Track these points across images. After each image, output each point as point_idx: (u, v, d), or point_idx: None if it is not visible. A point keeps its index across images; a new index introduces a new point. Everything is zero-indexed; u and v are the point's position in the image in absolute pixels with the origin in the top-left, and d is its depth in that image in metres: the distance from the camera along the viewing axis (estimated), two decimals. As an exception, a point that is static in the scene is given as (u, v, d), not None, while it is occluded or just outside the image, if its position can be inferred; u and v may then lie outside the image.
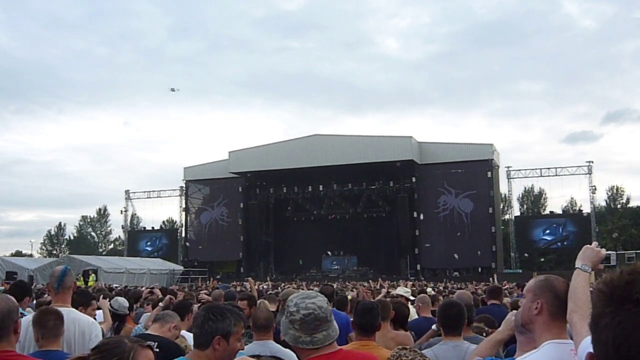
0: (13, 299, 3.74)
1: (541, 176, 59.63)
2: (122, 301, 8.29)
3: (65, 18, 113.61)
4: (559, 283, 3.13)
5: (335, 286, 20.61)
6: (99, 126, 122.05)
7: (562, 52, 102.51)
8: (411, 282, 26.79)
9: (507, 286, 22.57)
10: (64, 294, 4.95)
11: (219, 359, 3.35)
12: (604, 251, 3.21)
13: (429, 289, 16.11)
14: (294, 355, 5.27)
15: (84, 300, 6.48)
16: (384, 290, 12.78)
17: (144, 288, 19.79)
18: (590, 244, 3.28)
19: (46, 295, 11.05)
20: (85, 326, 4.85)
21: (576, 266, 3.15)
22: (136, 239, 70.42)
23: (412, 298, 8.90)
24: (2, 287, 21.76)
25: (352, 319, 5.02)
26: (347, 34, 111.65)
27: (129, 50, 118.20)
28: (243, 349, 3.57)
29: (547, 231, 57.92)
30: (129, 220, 72.25)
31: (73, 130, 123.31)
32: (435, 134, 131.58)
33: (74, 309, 5.08)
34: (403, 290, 10.02)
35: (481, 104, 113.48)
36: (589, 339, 2.76)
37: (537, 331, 3.10)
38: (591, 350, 2.70)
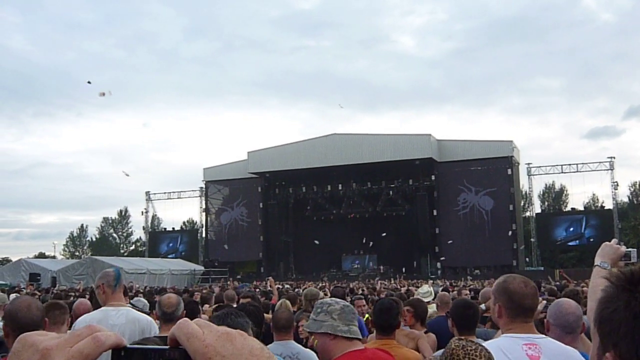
0: (38, 302, 3.89)
1: (562, 172, 59.29)
2: (144, 300, 8.39)
3: (81, 21, 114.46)
4: (515, 284, 3.16)
5: (353, 285, 20.65)
6: (116, 128, 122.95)
7: (579, 46, 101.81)
8: (431, 281, 26.74)
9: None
10: (120, 293, 5.14)
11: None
12: (623, 248, 3.21)
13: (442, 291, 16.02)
14: (315, 355, 5.30)
15: None
16: (403, 289, 12.78)
17: (169, 288, 19.95)
18: (610, 241, 3.29)
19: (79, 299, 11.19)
20: (145, 324, 5.02)
21: (595, 264, 3.16)
22: (157, 239, 70.86)
23: (426, 300, 8.78)
24: (28, 289, 22.05)
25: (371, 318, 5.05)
26: (362, 32, 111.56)
27: (144, 52, 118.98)
28: None
29: (570, 228, 57.49)
30: (149, 221, 72.73)
31: (91, 132, 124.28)
32: (453, 131, 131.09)
33: (132, 309, 5.28)
34: (424, 290, 9.97)
35: (498, 101, 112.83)
36: None
37: (502, 332, 3.21)
38: None
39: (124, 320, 4.88)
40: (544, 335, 3.19)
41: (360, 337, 3.51)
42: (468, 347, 2.74)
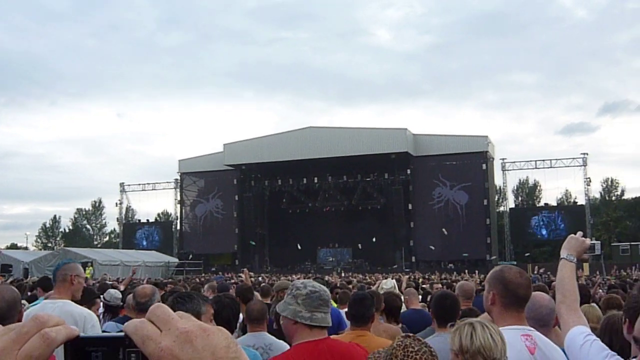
0: (16, 290, 3.84)
1: (536, 168, 59.76)
2: (114, 292, 8.26)
3: (53, 9, 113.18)
4: (511, 274, 3.20)
5: (328, 279, 20.64)
6: (90, 118, 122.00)
7: (555, 43, 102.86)
8: (407, 276, 26.86)
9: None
10: (60, 287, 4.98)
11: None
12: (588, 241, 3.28)
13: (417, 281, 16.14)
14: (288, 346, 5.33)
15: (87, 299, 6.47)
16: (378, 282, 12.85)
17: (144, 280, 19.83)
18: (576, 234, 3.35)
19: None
20: (79, 318, 4.83)
21: (561, 256, 3.21)
22: (131, 231, 70.39)
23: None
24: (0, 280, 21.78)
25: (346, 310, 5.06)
26: (340, 25, 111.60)
27: (118, 42, 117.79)
28: None
29: (542, 223, 58.12)
30: (123, 212, 72.21)
31: (64, 122, 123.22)
32: (428, 126, 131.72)
33: (69, 302, 5.04)
34: (389, 284, 10.05)
35: (474, 96, 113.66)
36: (575, 329, 2.86)
37: (495, 320, 3.24)
38: (578, 339, 2.81)
39: (58, 313, 4.65)
40: (532, 328, 3.24)
41: (326, 324, 3.40)
42: (410, 347, 2.64)
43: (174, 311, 2.79)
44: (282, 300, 3.53)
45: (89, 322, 4.87)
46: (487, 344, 2.73)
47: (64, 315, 4.66)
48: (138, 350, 0.79)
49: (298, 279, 16.95)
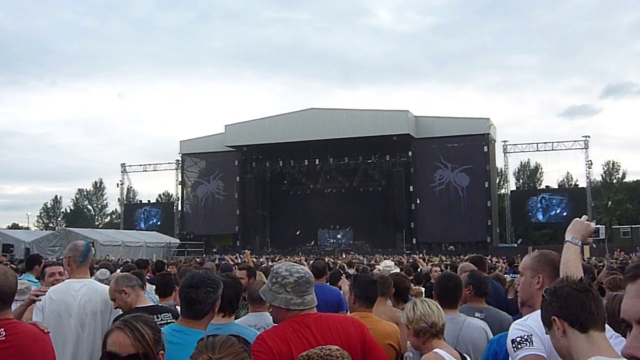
0: (12, 270, 3.85)
1: (537, 150, 59.74)
2: (105, 272, 8.25)
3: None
4: (554, 256, 3.23)
5: (327, 260, 20.70)
6: (90, 98, 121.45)
7: (557, 24, 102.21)
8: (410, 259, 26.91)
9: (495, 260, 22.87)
10: (86, 267, 5.35)
11: (207, 324, 3.58)
12: (593, 224, 3.27)
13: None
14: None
15: None
16: (381, 263, 12.89)
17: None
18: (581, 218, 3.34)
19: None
20: (102, 292, 5.18)
21: (566, 239, 3.21)
22: (132, 212, 70.51)
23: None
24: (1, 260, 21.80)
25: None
26: (341, 5, 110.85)
27: (117, 21, 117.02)
28: None
29: (543, 206, 58.10)
30: (124, 193, 72.24)
31: (64, 102, 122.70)
32: (430, 107, 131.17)
33: (93, 280, 5.55)
34: (387, 263, 10.10)
35: (475, 77, 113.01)
36: None
37: (538, 304, 3.17)
38: None
39: (85, 291, 5.10)
40: None
41: (315, 304, 3.42)
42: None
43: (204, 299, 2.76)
44: (265, 286, 3.50)
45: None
46: (427, 312, 3.83)
47: (91, 290, 5.15)
48: None
49: (299, 260, 16.98)
